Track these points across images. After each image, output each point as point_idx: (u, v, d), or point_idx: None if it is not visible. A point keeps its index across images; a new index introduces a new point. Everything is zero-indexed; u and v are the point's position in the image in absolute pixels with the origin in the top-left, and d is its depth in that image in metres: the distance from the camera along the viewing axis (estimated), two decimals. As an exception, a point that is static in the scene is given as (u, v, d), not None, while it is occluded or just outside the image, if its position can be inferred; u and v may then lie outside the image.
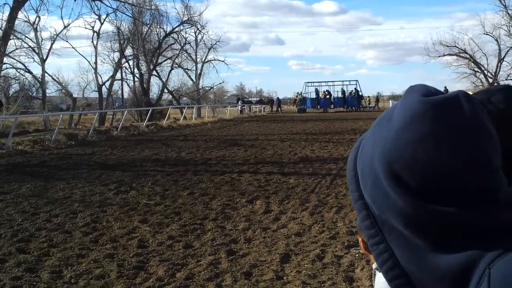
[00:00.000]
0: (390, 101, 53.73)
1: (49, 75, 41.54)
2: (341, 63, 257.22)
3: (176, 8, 69.76)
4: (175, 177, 11.30)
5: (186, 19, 49.33)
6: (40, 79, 39.93)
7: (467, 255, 0.63)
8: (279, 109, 59.67)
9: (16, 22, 31.10)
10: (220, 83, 57.79)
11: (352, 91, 57.22)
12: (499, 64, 42.18)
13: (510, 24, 41.05)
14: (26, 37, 37.45)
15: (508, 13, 40.49)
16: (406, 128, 0.66)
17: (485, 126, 0.66)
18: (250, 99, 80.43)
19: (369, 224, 0.73)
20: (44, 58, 39.48)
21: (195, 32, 52.12)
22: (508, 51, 41.88)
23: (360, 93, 56.64)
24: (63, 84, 44.00)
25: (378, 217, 0.72)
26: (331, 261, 5.66)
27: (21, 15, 33.15)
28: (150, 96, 48.46)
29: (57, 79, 42.93)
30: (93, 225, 7.30)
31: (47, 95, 43.14)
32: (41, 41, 39.66)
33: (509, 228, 0.64)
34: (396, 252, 0.70)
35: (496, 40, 42.32)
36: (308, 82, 60.35)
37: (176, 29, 48.82)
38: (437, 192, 0.64)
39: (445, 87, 48.40)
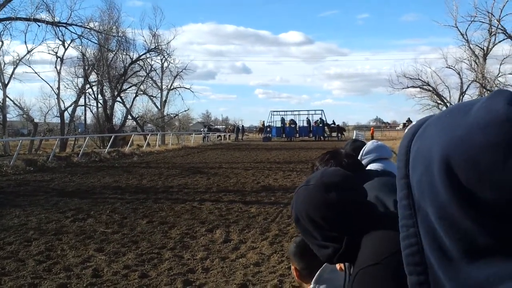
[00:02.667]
0: (355, 131, 54.46)
1: (11, 99, 40.70)
2: (307, 92, 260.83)
3: (143, 36, 69.51)
4: (134, 205, 11.15)
5: (153, 47, 49.26)
6: (1, 104, 39.06)
7: (494, 272, 0.61)
8: (238, 137, 59.22)
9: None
10: (185, 111, 57.48)
11: (317, 120, 58.03)
12: (461, 97, 43.30)
13: (472, 59, 42.37)
14: (-13, 61, 36.74)
15: (470, 47, 41.85)
16: (482, 128, 0.63)
17: None
18: (216, 126, 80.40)
19: (407, 204, 0.72)
20: (6, 82, 38.69)
21: (161, 60, 51.96)
22: (469, 84, 43.14)
23: (337, 124, 58.05)
24: (25, 109, 43.14)
25: (417, 202, 0.70)
26: (288, 291, 5.65)
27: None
28: (114, 122, 47.88)
29: (18, 104, 42.04)
30: (47, 253, 7.12)
31: (8, 119, 42.13)
32: (3, 65, 38.93)
33: None
34: (423, 241, 0.69)
35: (458, 73, 43.58)
36: (274, 111, 61.03)
37: (142, 56, 48.67)
38: (484, 199, 0.62)
39: (409, 118, 49.38)
